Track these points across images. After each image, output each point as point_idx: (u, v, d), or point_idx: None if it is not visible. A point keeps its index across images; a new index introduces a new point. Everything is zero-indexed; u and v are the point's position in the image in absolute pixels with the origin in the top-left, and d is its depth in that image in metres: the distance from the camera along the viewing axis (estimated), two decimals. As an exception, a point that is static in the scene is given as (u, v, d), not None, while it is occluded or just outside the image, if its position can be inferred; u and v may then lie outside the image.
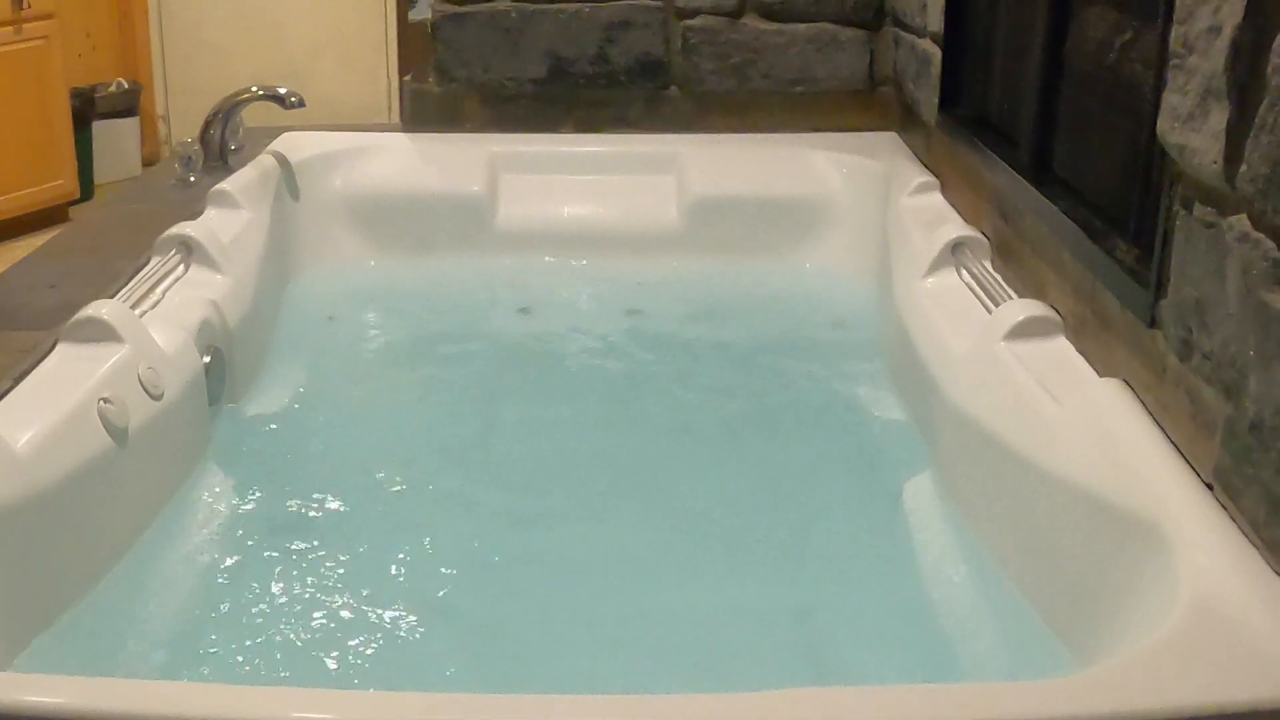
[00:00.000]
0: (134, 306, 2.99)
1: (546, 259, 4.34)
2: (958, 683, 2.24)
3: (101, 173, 7.30)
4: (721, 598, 2.65)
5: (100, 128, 7.37)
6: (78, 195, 6.96)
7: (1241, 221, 1.90)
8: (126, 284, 3.17)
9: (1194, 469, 2.08)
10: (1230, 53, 1.91)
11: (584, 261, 4.34)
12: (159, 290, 3.18)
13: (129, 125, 7.54)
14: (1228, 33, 1.92)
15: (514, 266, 4.31)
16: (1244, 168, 1.87)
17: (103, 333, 2.76)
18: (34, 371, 2.68)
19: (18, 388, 2.61)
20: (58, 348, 2.76)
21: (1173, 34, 2.13)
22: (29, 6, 6.69)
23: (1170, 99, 2.13)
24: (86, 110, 7.26)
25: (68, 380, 2.62)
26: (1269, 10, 1.81)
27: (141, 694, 1.76)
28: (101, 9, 7.56)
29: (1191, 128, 2.04)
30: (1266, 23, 1.82)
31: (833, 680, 2.36)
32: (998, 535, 2.55)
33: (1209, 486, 2.03)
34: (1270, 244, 1.81)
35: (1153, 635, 1.79)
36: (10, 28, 6.64)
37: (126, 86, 7.53)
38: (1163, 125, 2.16)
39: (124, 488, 2.63)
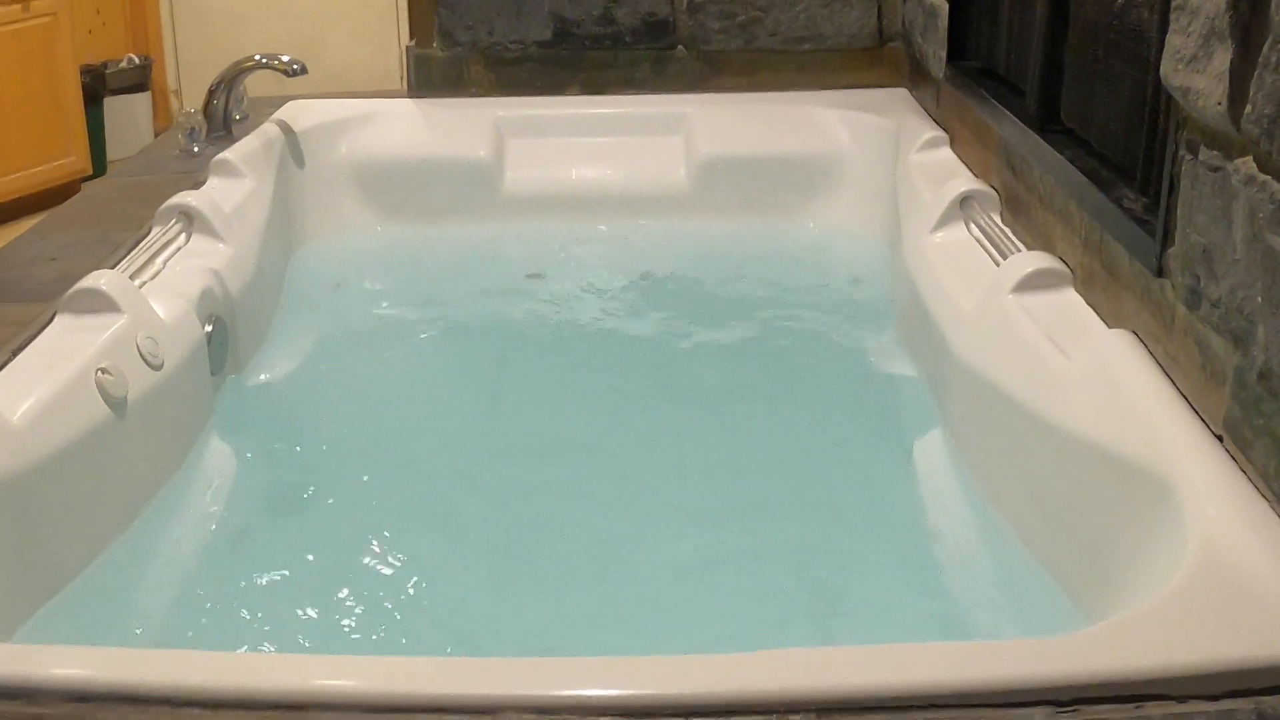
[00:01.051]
0: (134, 277, 2.96)
1: (555, 223, 4.30)
2: (965, 640, 2.21)
3: (114, 149, 7.27)
4: (730, 557, 2.63)
5: (112, 104, 7.35)
6: (90, 172, 6.93)
7: (1247, 164, 1.86)
8: (127, 255, 3.15)
9: (1204, 420, 2.05)
10: (1233, -10, 1.87)
11: (593, 225, 4.31)
12: (159, 260, 3.15)
13: (141, 101, 7.51)
14: (1230, -30, 1.88)
15: (522, 231, 4.28)
16: (1249, 108, 1.83)
17: (101, 303, 2.74)
18: (32, 344, 2.66)
19: (15, 360, 2.59)
20: (56, 319, 2.74)
21: (1175, -27, 2.08)
22: (35, -18, 6.67)
23: (1173, 41, 2.08)
24: (97, 87, 7.23)
25: (65, 351, 2.60)
26: (1272, -55, 1.77)
27: (152, 663, 1.74)
28: (111, -13, 7.54)
29: (1195, 69, 2.00)
30: (1269, -42, 1.78)
31: (841, 639, 2.34)
32: (1006, 490, 2.52)
33: (1219, 438, 2.00)
34: (1276, 185, 1.77)
35: (1161, 589, 1.76)
36: (18, 5, 6.61)
37: (138, 62, 7.50)
38: (1166, 68, 2.11)
39: (124, 458, 2.60)
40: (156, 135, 7.37)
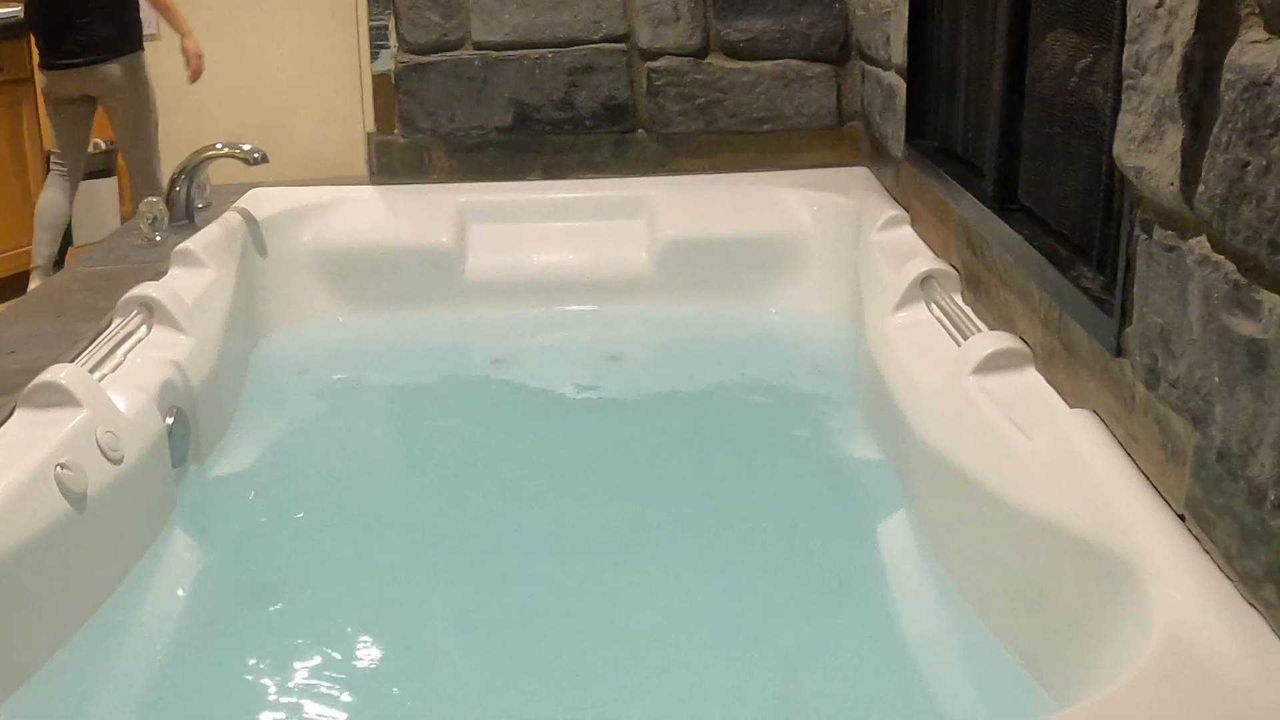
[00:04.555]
0: (94, 370, 2.95)
1: (518, 308, 4.31)
2: (933, 726, 2.20)
3: (81, 234, 7.26)
4: (695, 643, 2.60)
5: (78, 189, 7.33)
6: (56, 258, 6.91)
7: (1201, 244, 1.86)
8: (87, 347, 3.14)
9: (1166, 500, 2.04)
10: (1182, 70, 1.87)
11: (557, 310, 4.31)
12: (120, 352, 3.14)
13: (107, 186, 7.51)
14: (1179, 50, 1.88)
15: (486, 317, 4.29)
16: (1201, 188, 1.83)
17: (60, 397, 2.72)
18: (-10, 439, 2.64)
19: (-27, 456, 2.57)
20: (15, 414, 2.72)
21: (1125, 54, 2.09)
22: (1, 70, 6.67)
23: (1125, 120, 2.09)
24: (62, 173, 7.22)
25: (24, 446, 2.58)
26: (1220, 25, 1.77)
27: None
28: (76, 72, 7.53)
29: (1147, 149, 2.00)
30: (1218, 38, 1.78)
31: (809, 727, 2.32)
32: (972, 574, 2.51)
33: (1181, 518, 1.99)
34: (1230, 266, 1.77)
35: (1127, 673, 1.75)
36: (-18, 92, 6.64)
37: (104, 147, 7.49)
38: (1119, 148, 2.12)
39: (85, 553, 2.58)
40: (123, 220, 7.36)
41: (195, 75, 6.65)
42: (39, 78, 6.49)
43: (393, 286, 4.32)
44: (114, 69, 6.32)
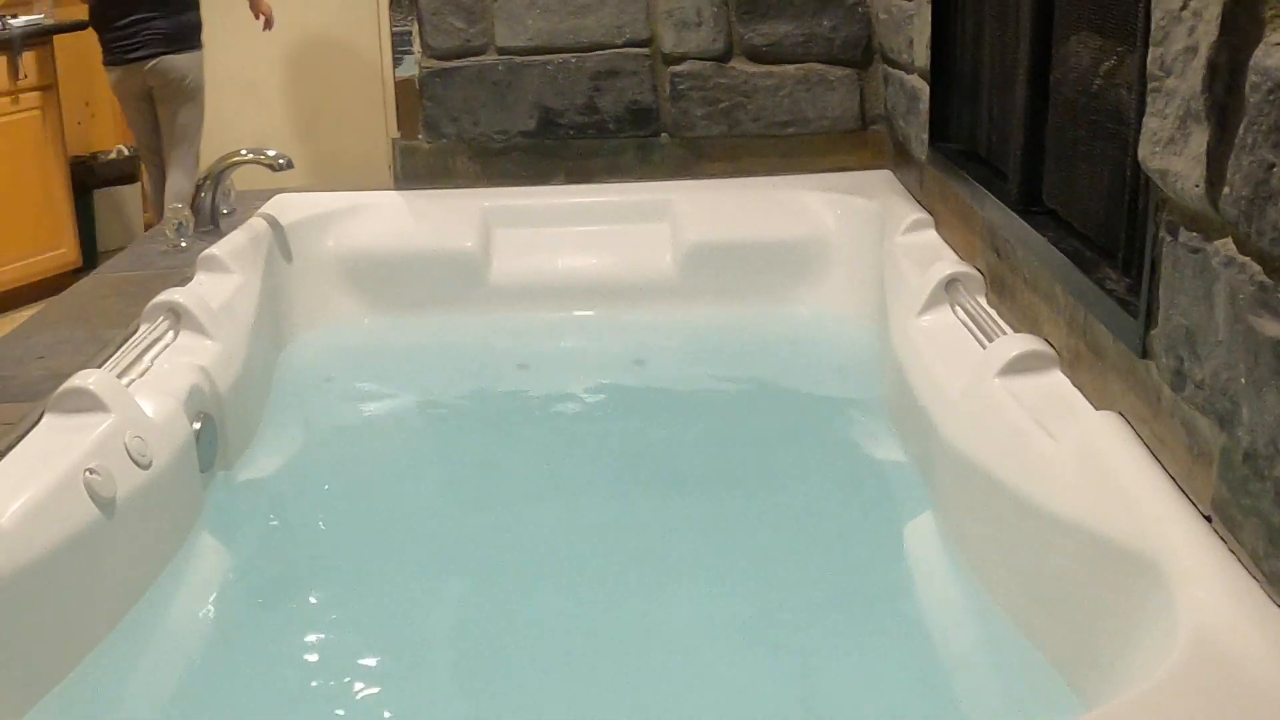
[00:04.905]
0: (122, 375, 2.97)
1: (542, 313, 4.31)
2: (960, 727, 2.20)
3: (105, 240, 7.30)
4: (723, 643, 2.62)
5: (101, 195, 7.37)
6: (80, 264, 6.96)
7: (1227, 245, 1.87)
8: (114, 353, 3.15)
9: (1192, 502, 2.04)
10: (1207, 73, 1.88)
11: (581, 314, 4.31)
12: (147, 358, 3.15)
13: (130, 192, 7.54)
14: (1204, 52, 1.88)
15: (510, 321, 4.28)
16: (1226, 190, 1.83)
17: (89, 403, 2.73)
18: (20, 444, 2.65)
19: (3, 460, 2.58)
20: (44, 419, 2.74)
21: (1150, 56, 2.09)
22: (25, 76, 6.71)
23: (1150, 123, 2.09)
24: (86, 178, 7.26)
25: (53, 452, 2.60)
26: (1244, 27, 1.78)
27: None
28: (100, 77, 7.54)
29: (1173, 151, 2.00)
30: (1242, 40, 1.78)
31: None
32: (999, 575, 2.51)
33: (1208, 519, 1.99)
34: (1256, 267, 1.77)
35: (1154, 674, 1.75)
36: (7, 99, 6.67)
37: (127, 153, 7.52)
38: (1144, 150, 2.12)
39: (113, 558, 2.60)
40: (146, 226, 7.39)
41: (269, 25, 6.77)
42: (105, 74, 6.55)
43: (417, 291, 4.33)
44: (173, 63, 6.38)
